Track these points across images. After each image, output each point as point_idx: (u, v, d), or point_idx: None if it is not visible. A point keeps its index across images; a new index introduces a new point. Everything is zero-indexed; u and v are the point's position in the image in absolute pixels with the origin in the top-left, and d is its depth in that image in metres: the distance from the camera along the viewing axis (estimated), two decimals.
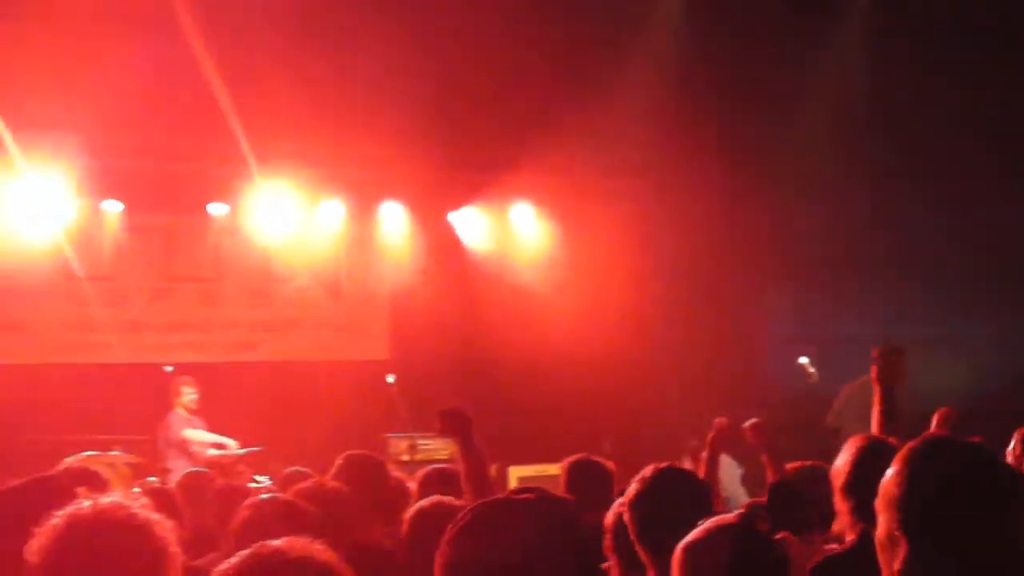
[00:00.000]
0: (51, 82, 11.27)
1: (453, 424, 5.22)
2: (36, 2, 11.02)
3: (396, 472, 6.66)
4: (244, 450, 11.53)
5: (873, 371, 5.24)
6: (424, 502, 4.96)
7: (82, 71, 11.08)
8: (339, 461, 5.96)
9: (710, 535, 3.13)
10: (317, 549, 2.45)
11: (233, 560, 2.39)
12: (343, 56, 12.05)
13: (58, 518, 2.67)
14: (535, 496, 2.46)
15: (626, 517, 4.00)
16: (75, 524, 2.60)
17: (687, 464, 8.03)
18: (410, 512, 4.94)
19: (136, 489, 7.39)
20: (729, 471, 10.86)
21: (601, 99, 13.19)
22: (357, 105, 12.26)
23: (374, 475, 5.91)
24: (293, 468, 7.59)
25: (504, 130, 13.08)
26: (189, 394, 11.81)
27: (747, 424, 6.45)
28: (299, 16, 11.81)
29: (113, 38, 11.21)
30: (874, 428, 5.12)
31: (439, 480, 6.17)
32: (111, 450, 10.88)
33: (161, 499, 4.57)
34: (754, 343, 14.61)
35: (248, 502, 4.52)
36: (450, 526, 2.45)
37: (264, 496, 4.71)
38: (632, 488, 4.05)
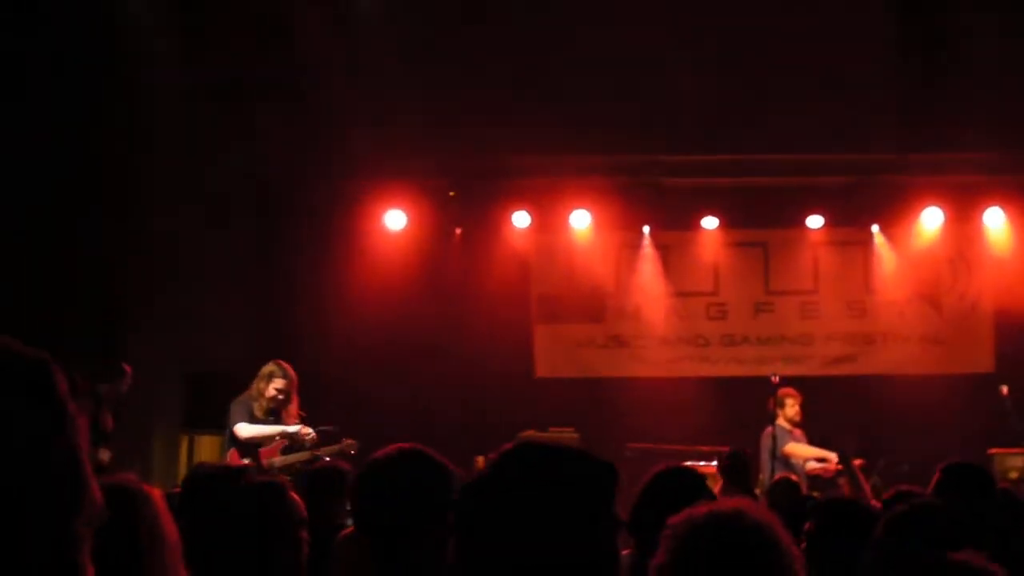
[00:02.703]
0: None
1: None
2: None
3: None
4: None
5: None
6: None
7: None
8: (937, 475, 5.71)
9: None
10: None
11: None
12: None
13: (684, 521, 2.72)
14: None
15: None
16: (704, 526, 2.67)
17: None
18: None
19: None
20: None
21: None
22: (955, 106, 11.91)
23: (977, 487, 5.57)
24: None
25: None
26: (792, 406, 11.85)
27: None
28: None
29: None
30: None
31: None
32: (711, 461, 11.14)
33: None
34: None
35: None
36: None
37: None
38: None
